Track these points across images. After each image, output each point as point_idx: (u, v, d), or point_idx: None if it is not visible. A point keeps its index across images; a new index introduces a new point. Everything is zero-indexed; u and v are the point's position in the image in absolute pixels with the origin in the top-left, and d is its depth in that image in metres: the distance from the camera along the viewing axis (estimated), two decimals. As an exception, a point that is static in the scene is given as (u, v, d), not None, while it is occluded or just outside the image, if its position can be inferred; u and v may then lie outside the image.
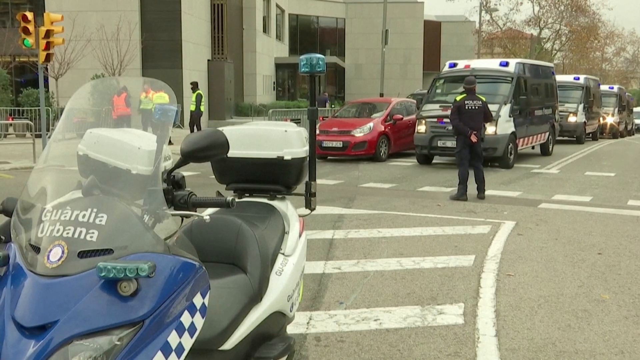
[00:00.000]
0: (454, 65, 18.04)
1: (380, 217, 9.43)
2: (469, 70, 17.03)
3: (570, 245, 7.80)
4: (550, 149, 19.79)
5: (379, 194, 11.79)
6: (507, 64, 17.26)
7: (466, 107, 11.15)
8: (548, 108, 19.30)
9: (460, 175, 11.17)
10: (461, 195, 11.09)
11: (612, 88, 32.21)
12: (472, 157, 11.23)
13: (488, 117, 11.30)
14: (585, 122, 25.32)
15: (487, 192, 11.82)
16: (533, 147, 19.13)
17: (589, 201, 11.08)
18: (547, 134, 19.33)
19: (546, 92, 19.24)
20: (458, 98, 11.42)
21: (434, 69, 50.16)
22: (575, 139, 25.31)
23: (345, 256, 7.14)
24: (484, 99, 11.50)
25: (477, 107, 11.14)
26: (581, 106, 25.15)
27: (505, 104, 16.09)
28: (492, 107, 13.96)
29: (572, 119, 24.89)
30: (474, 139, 11.05)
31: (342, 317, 5.18)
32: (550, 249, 7.61)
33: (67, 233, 2.21)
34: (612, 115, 30.72)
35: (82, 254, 2.18)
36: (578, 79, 26.13)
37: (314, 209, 3.97)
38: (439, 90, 17.69)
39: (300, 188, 4.02)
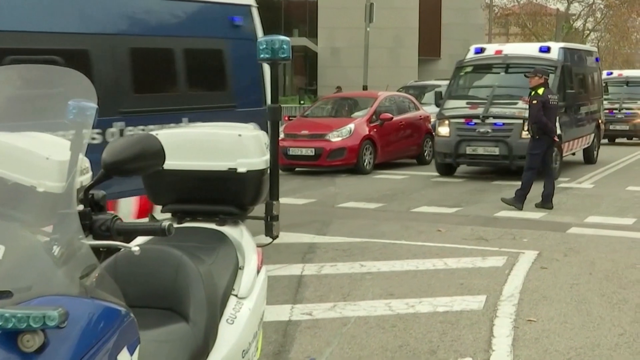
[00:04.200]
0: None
1: (364, 246, 9.45)
2: None
3: (608, 281, 7.88)
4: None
5: (362, 217, 11.82)
6: None
7: (550, 102, 12.24)
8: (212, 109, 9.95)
9: (526, 181, 12.34)
10: (519, 202, 12.29)
11: None
12: (543, 161, 12.46)
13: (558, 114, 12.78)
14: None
15: (501, 214, 11.99)
16: None
17: (631, 224, 11.22)
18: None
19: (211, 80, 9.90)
20: (540, 91, 12.37)
21: (433, 54, 50.50)
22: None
23: (318, 298, 7.14)
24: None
25: (556, 102, 12.49)
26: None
27: None
28: None
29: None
30: (556, 138, 12.39)
31: (315, 378, 5.18)
32: (582, 286, 7.68)
33: (-49, 271, 2.19)
34: None
35: (-29, 298, 2.16)
36: (546, 50, 17.51)
37: (277, 236, 3.97)
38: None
39: (259, 210, 4.03)
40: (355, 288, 7.49)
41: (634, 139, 27.32)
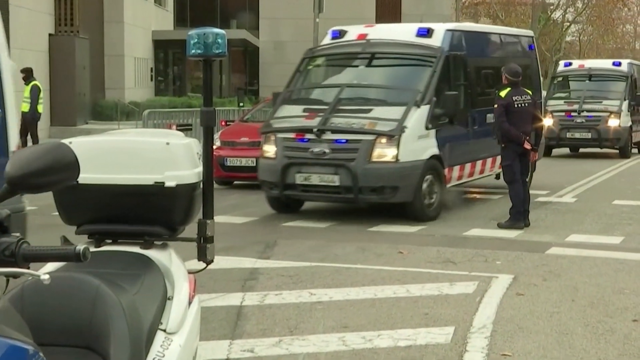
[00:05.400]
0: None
1: (314, 271, 9.45)
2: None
3: (593, 309, 7.97)
4: None
5: (311, 237, 11.83)
6: None
7: (515, 106, 12.38)
8: None
9: (514, 196, 12.52)
10: (517, 221, 12.45)
11: (618, 64, 27.09)
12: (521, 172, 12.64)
13: (537, 117, 12.89)
14: None
15: (472, 232, 12.08)
16: None
17: (619, 244, 11.39)
18: None
19: None
20: (502, 93, 12.60)
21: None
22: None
23: (261, 332, 7.12)
24: (530, 92, 13.07)
25: (526, 105, 12.54)
26: None
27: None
28: None
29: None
30: (527, 146, 12.46)
31: None
32: (564, 315, 7.76)
33: None
34: (617, 113, 25.15)
35: None
36: (425, 33, 14.91)
37: (212, 260, 3.96)
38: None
39: (191, 230, 4.02)
40: (304, 320, 7.48)
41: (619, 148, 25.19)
